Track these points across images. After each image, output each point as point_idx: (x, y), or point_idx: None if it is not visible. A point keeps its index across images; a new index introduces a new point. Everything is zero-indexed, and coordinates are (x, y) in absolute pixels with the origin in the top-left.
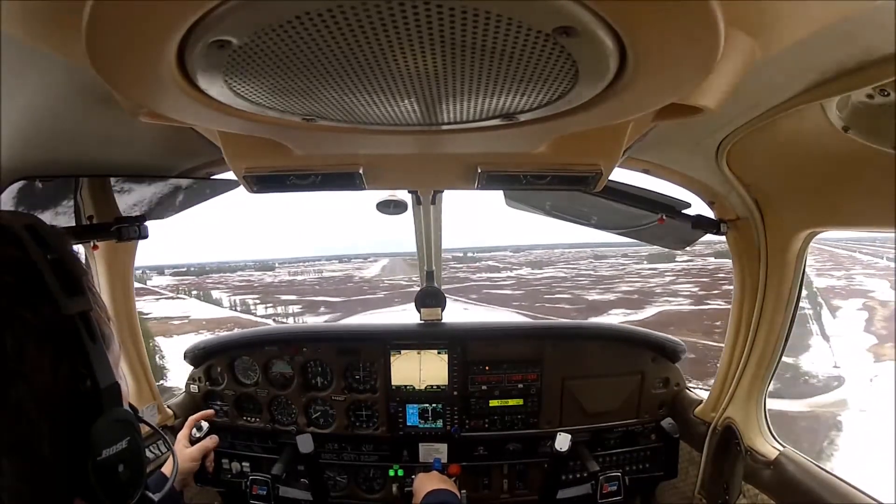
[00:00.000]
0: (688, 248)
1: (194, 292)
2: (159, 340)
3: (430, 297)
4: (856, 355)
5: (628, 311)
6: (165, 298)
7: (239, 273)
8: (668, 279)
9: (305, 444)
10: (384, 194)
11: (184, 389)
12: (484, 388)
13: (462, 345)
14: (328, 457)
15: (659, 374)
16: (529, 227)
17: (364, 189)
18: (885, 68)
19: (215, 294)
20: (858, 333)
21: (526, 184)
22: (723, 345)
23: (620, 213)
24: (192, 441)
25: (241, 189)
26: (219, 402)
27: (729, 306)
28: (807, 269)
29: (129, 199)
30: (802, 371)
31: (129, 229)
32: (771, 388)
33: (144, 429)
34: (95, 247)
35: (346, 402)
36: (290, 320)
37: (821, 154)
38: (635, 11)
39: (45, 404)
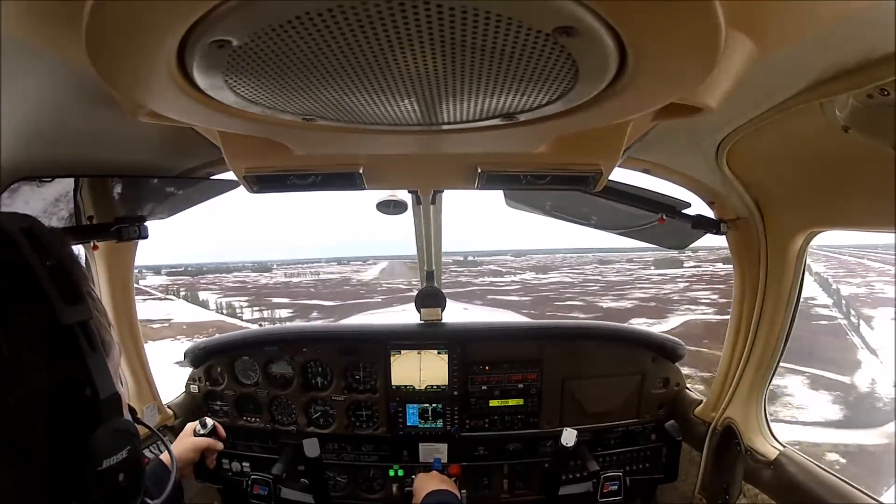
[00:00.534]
0: (694, 254)
1: (182, 293)
2: None
3: (430, 298)
4: None
5: (650, 321)
6: (153, 299)
7: (235, 274)
8: (682, 285)
9: (312, 448)
10: (384, 194)
11: (184, 389)
12: (484, 388)
13: (462, 345)
14: (328, 457)
15: (659, 374)
16: (529, 232)
17: (364, 189)
18: (885, 68)
19: (204, 296)
20: None
21: (526, 184)
22: None
23: (620, 213)
24: (196, 437)
25: (242, 189)
26: (219, 402)
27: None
28: (828, 278)
29: (129, 199)
30: (864, 392)
31: (129, 229)
32: (839, 415)
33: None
34: (95, 247)
35: (346, 402)
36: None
37: (821, 154)
38: (635, 11)
39: (41, 410)
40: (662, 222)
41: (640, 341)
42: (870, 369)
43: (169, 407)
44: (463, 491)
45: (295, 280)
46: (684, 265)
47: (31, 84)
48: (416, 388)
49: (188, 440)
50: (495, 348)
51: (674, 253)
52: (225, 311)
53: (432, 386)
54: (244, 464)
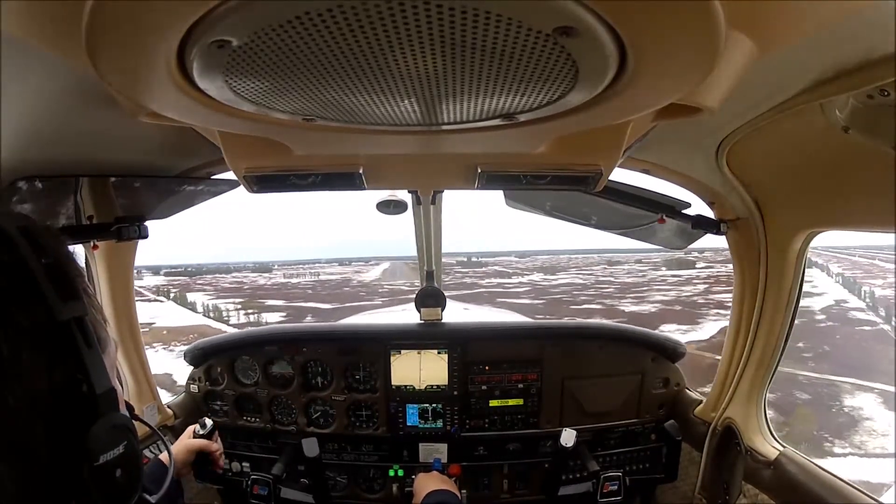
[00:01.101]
0: (700, 255)
1: (172, 294)
2: None
3: (430, 297)
4: None
5: (683, 328)
6: (143, 300)
7: (234, 275)
8: (701, 287)
9: (311, 447)
10: (384, 194)
11: (184, 389)
12: (484, 387)
13: (462, 345)
14: (328, 457)
15: (659, 374)
16: (531, 232)
17: (364, 189)
18: (885, 68)
19: (195, 298)
20: None
21: (526, 184)
22: (828, 375)
23: (620, 213)
24: (196, 438)
25: (244, 189)
26: (219, 402)
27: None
28: (853, 279)
29: (129, 199)
30: None
31: (129, 229)
32: None
33: (144, 429)
34: (95, 247)
35: (346, 402)
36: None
37: (821, 154)
38: (635, 11)
39: (40, 409)
40: (662, 222)
41: (640, 341)
42: None
43: (169, 407)
44: (463, 491)
45: (293, 281)
46: (696, 266)
47: (32, 84)
48: (416, 388)
49: (185, 442)
50: (495, 348)
51: (680, 254)
52: (212, 315)
53: (432, 386)
54: (244, 464)
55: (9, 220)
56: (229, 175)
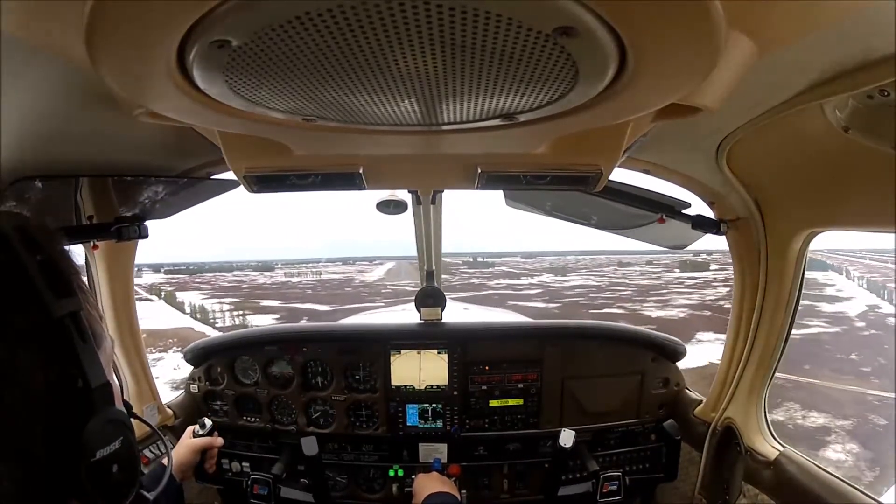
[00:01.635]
0: (709, 256)
1: (164, 293)
2: None
3: (430, 297)
4: None
5: (722, 336)
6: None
7: (235, 273)
8: (723, 290)
9: (310, 446)
10: (384, 194)
11: (184, 389)
12: (484, 387)
13: (462, 345)
14: (328, 457)
15: (659, 374)
16: (532, 233)
17: (364, 189)
18: (885, 68)
19: (188, 297)
20: None
21: (526, 184)
22: (892, 394)
23: (620, 213)
24: (195, 438)
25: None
26: (219, 402)
27: (830, 328)
28: (881, 281)
29: (130, 199)
30: None
31: (129, 229)
32: None
33: (144, 430)
34: (95, 247)
35: (346, 402)
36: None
37: (821, 154)
38: (635, 12)
39: (37, 407)
40: (662, 222)
41: (640, 341)
42: None
43: (169, 407)
44: (463, 491)
45: (294, 280)
46: (710, 268)
47: (32, 84)
48: (416, 388)
49: (186, 442)
50: (495, 348)
51: (689, 255)
52: (198, 316)
53: (432, 386)
54: (244, 464)
55: (4, 219)
56: (229, 175)
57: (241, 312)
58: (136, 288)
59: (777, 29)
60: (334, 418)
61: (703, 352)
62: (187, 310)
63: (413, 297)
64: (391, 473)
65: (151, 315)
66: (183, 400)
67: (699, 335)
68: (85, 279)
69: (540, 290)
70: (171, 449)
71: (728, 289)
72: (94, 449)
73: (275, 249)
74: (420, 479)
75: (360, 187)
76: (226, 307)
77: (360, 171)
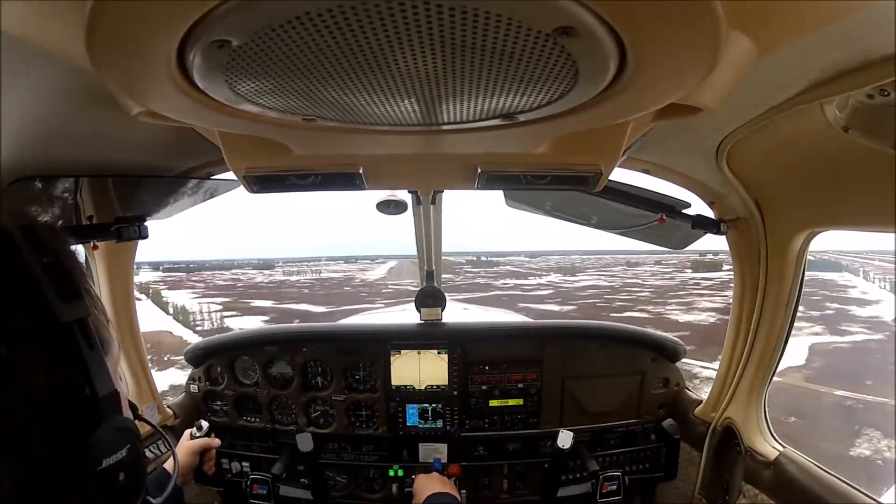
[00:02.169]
0: (715, 257)
1: (151, 291)
2: None
3: (430, 297)
4: None
5: None
6: None
7: (234, 271)
8: None
9: (305, 442)
10: (384, 194)
11: (184, 389)
12: (484, 387)
13: (462, 345)
14: (328, 457)
15: (659, 374)
16: (538, 233)
17: (364, 189)
18: (885, 68)
19: (175, 296)
20: None
21: (526, 184)
22: None
23: (620, 213)
24: (192, 440)
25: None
26: (219, 402)
27: (873, 334)
28: None
29: (130, 199)
30: None
31: (129, 229)
32: None
33: (146, 428)
34: (95, 247)
35: (346, 402)
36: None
37: (821, 154)
38: (635, 12)
39: (37, 408)
40: (662, 222)
41: (640, 341)
42: None
43: (169, 407)
44: (463, 491)
45: (293, 278)
46: (723, 268)
47: (32, 84)
48: (416, 388)
49: (184, 445)
50: (495, 348)
51: (697, 255)
52: (180, 318)
53: (432, 386)
54: (244, 464)
55: (10, 220)
56: (229, 175)
57: (229, 314)
58: None
59: (777, 29)
60: (334, 418)
61: None
62: (170, 311)
63: (415, 297)
64: (391, 473)
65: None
66: (183, 400)
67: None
68: None
69: (551, 292)
70: (168, 451)
71: None
72: (101, 457)
73: (279, 248)
74: (420, 479)
75: (360, 187)
76: (214, 307)
77: (360, 171)
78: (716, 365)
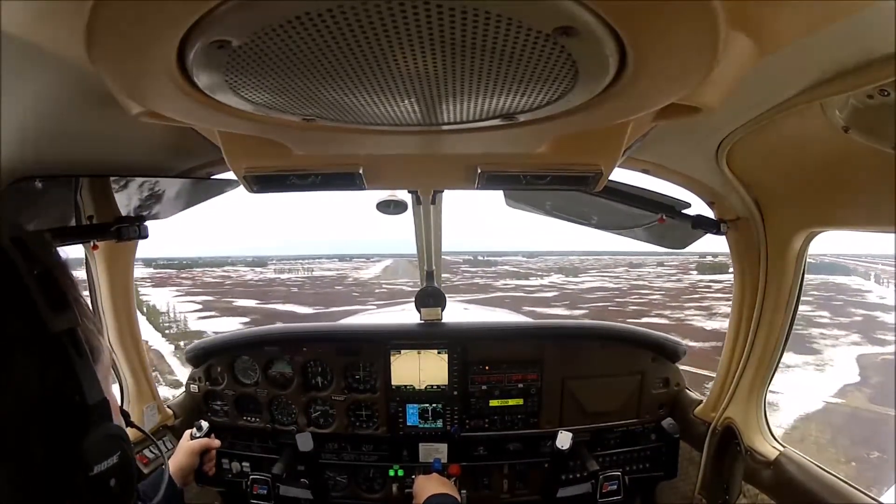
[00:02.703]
0: (721, 259)
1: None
2: None
3: (430, 297)
4: None
5: (808, 359)
6: None
7: (226, 268)
8: None
9: (305, 442)
10: (384, 194)
11: (184, 389)
12: (484, 387)
13: (462, 345)
14: (328, 457)
15: (659, 374)
16: (536, 232)
17: (364, 189)
18: (885, 68)
19: (154, 294)
20: None
21: (526, 184)
22: None
23: (620, 212)
24: (193, 440)
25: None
26: (219, 402)
27: None
28: None
29: (129, 199)
30: None
31: (129, 229)
32: None
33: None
34: (95, 247)
35: (346, 402)
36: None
37: (821, 154)
38: (635, 12)
39: (32, 416)
40: (662, 222)
41: (640, 341)
42: None
43: (169, 407)
44: (463, 491)
45: (284, 276)
46: (729, 270)
47: (32, 84)
48: (416, 387)
49: (184, 446)
50: (495, 348)
51: (697, 256)
52: (150, 320)
53: (432, 386)
54: (244, 464)
55: (2, 231)
56: (229, 175)
57: (207, 314)
58: None
59: (777, 29)
60: (334, 418)
61: (802, 384)
62: (143, 310)
63: (410, 298)
64: (391, 473)
65: None
66: (183, 400)
67: (785, 358)
68: (85, 279)
69: (556, 293)
70: (169, 450)
71: None
72: (92, 464)
73: (275, 247)
74: (420, 480)
75: (360, 187)
76: (194, 307)
77: (360, 171)
78: None
